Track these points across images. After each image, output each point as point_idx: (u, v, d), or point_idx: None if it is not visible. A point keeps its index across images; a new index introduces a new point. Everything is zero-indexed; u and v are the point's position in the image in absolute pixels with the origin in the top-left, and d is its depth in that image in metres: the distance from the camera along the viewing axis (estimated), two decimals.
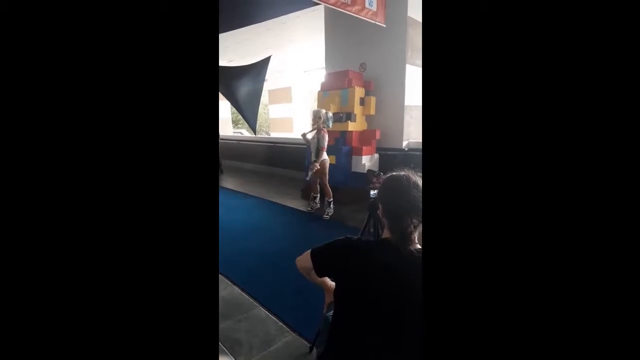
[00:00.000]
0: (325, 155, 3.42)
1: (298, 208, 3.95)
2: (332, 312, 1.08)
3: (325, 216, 3.47)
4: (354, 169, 4.11)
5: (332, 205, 3.52)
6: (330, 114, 3.44)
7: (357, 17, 3.25)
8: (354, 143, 4.11)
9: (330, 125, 3.46)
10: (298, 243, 2.82)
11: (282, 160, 6.39)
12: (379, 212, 0.89)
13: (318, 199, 3.59)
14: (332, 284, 1.06)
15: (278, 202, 4.25)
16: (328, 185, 3.46)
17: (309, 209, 3.51)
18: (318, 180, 3.52)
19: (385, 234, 0.87)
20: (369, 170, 1.44)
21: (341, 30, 4.51)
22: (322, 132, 3.33)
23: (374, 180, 1.34)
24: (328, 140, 3.99)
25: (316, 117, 3.39)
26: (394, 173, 0.87)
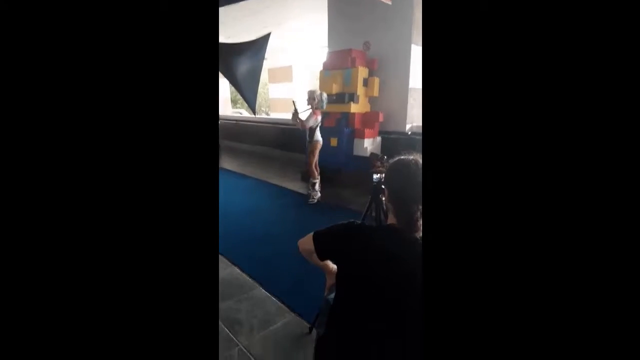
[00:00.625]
0: (318, 136, 3.37)
1: (298, 190, 3.95)
2: (333, 294, 1.09)
3: (310, 200, 3.36)
4: (356, 152, 4.07)
5: (317, 187, 3.41)
6: (324, 95, 3.35)
7: None
8: (357, 125, 4.05)
9: (324, 106, 3.38)
10: (298, 226, 2.84)
11: (282, 141, 6.35)
12: (385, 197, 0.88)
13: (318, 184, 3.47)
14: (334, 266, 1.06)
15: (278, 184, 4.24)
16: (314, 165, 3.39)
17: (310, 200, 3.39)
18: (314, 161, 3.46)
19: (390, 219, 0.86)
20: (372, 154, 1.41)
21: (345, 7, 4.37)
22: (314, 114, 3.28)
23: (377, 164, 1.32)
24: (330, 121, 4.03)
25: (310, 97, 3.33)
26: (401, 157, 0.84)
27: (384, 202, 1.29)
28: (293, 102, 3.46)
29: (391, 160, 0.88)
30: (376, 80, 4.05)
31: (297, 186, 4.13)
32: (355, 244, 0.83)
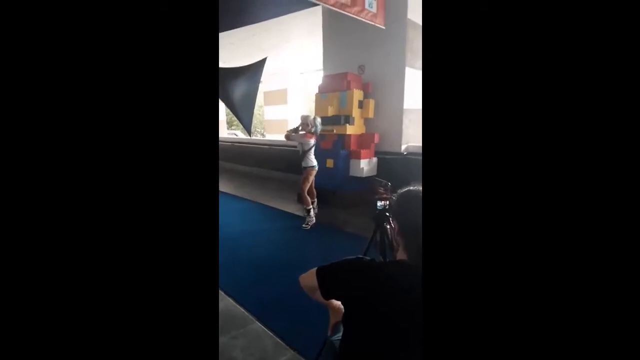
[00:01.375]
0: (312, 161, 3.31)
1: (295, 213, 3.89)
2: (337, 335, 1.00)
3: (304, 226, 3.27)
4: (352, 172, 4.06)
5: (312, 214, 3.32)
6: (318, 120, 3.34)
7: (355, 19, 3.19)
8: (352, 147, 4.07)
9: (319, 131, 3.37)
10: (295, 251, 2.74)
11: (277, 162, 6.34)
12: (394, 230, 0.82)
13: (312, 211, 3.35)
14: (338, 303, 0.99)
15: (274, 206, 4.18)
16: (306, 192, 3.31)
17: (304, 226, 3.27)
18: (307, 188, 3.36)
19: (400, 255, 0.80)
20: (375, 179, 1.36)
21: (339, 32, 4.47)
22: (306, 137, 3.26)
23: (381, 190, 1.27)
24: (326, 143, 4.03)
25: (303, 123, 3.31)
26: (411, 188, 0.80)
27: (389, 231, 1.23)
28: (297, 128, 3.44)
29: (400, 191, 0.83)
30: (371, 102, 4.09)
31: (293, 208, 4.07)
32: (364, 283, 0.77)
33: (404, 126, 4.07)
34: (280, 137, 6.26)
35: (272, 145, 6.55)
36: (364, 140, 4.14)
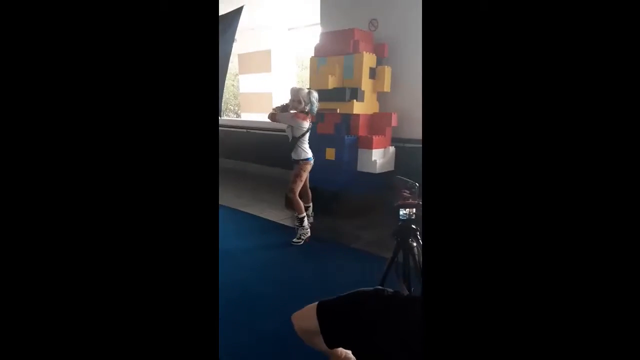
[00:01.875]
0: (305, 153, 3.29)
1: (282, 222, 3.87)
2: None
3: (295, 240, 3.29)
4: (361, 167, 4.06)
5: (305, 224, 3.35)
6: (315, 95, 3.27)
7: None
8: (361, 131, 4.03)
9: (315, 110, 3.31)
10: (284, 278, 2.73)
11: (257, 153, 6.32)
12: (420, 246, 0.81)
13: (306, 221, 3.36)
14: (345, 353, 0.98)
15: (252, 213, 4.18)
16: (298, 194, 3.32)
17: (296, 240, 3.31)
18: (299, 189, 3.34)
19: None
20: (397, 178, 1.34)
21: None
22: (298, 117, 3.22)
23: (405, 193, 1.26)
24: (325, 127, 4.02)
25: (295, 99, 3.25)
26: None
27: (416, 250, 1.22)
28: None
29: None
30: (387, 70, 4.09)
31: (280, 216, 4.06)
32: (384, 327, 0.76)
33: None
34: (261, 117, 6.23)
35: (250, 129, 6.52)
36: (377, 122, 4.14)
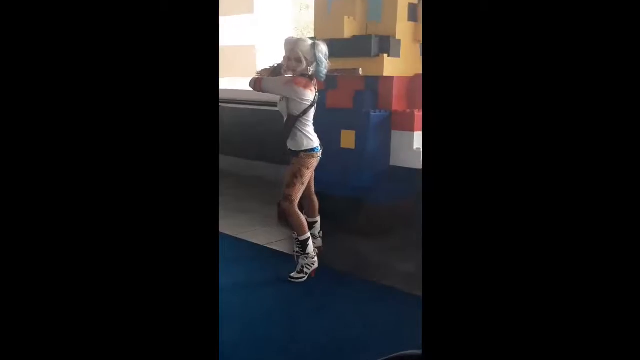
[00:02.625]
0: (309, 140, 2.56)
1: (273, 248, 3.00)
2: None
3: (295, 276, 2.54)
4: (395, 159, 3.14)
5: (311, 249, 2.62)
6: (323, 49, 2.49)
7: None
8: (396, 104, 3.11)
9: (324, 72, 2.52)
10: (283, 334, 2.06)
11: (235, 140, 5.18)
12: None
13: (312, 244, 2.65)
14: None
15: (229, 233, 3.29)
16: (296, 205, 2.61)
17: (297, 276, 2.59)
18: (299, 195, 2.63)
19: None
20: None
21: None
22: (296, 84, 2.45)
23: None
24: (340, 98, 3.23)
25: (292, 56, 2.47)
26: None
27: None
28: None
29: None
30: None
31: (269, 236, 3.20)
32: None
33: None
34: (240, 84, 5.02)
35: (225, 102, 5.19)
36: (419, 90, 3.14)
